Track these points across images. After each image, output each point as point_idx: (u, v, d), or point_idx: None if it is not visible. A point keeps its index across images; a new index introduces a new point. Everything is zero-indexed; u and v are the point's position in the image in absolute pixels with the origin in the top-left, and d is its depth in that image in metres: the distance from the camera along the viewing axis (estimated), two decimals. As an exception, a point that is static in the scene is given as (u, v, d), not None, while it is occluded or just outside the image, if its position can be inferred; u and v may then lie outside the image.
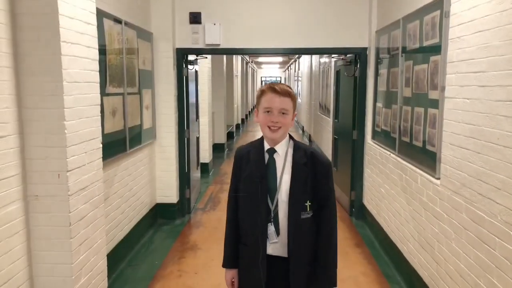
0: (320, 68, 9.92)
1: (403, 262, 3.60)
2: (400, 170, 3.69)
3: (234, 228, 1.90)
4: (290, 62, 22.29)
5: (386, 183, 4.11)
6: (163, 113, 4.97)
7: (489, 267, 2.22)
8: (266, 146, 1.84)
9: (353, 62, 5.19)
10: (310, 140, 12.10)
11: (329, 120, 8.07)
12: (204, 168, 7.59)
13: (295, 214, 1.77)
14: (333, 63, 7.23)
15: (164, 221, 5.10)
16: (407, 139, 3.60)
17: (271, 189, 1.78)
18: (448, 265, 2.71)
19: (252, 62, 22.90)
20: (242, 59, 17.22)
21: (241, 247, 1.89)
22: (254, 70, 27.11)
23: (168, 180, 5.09)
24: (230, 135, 12.67)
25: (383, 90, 4.41)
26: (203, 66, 7.36)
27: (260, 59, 22.51)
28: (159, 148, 5.03)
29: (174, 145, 5.06)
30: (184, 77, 5.18)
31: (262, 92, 1.80)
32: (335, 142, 6.13)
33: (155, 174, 5.04)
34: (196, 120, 6.08)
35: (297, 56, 17.47)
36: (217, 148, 10.23)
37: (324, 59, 8.86)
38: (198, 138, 6.15)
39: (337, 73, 5.97)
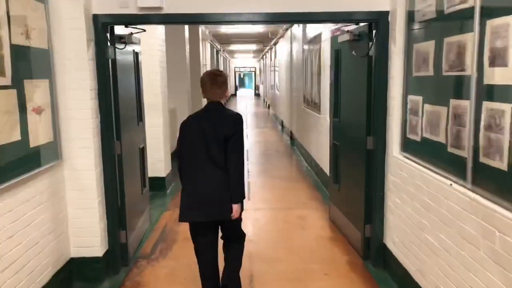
0: (303, 55, 8.22)
1: None
2: (483, 219, 2.03)
3: None
4: (265, 50, 20.53)
5: (443, 231, 2.44)
6: (73, 118, 3.13)
7: None
8: None
9: (364, 35, 3.49)
10: (291, 138, 10.42)
11: (319, 117, 6.38)
12: (158, 184, 5.76)
13: None
14: (327, 42, 5.52)
15: (83, 286, 3.29)
16: (496, 163, 1.94)
17: None
18: None
19: (223, 50, 20.99)
20: (212, 47, 15.31)
21: None
22: (226, 59, 25.19)
23: (88, 222, 3.27)
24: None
25: (425, 75, 2.73)
26: (151, 49, 5.50)
27: (233, 47, 20.63)
28: (71, 174, 3.19)
29: (95, 168, 3.23)
30: (110, 60, 3.35)
31: None
32: (335, 149, 4.44)
33: (65, 214, 3.20)
34: (139, 124, 4.26)
35: (272, 43, 15.73)
36: (180, 153, 8.38)
37: (311, 39, 7.14)
38: (142, 149, 4.33)
39: (337, 54, 4.27)
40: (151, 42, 5.47)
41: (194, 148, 2.59)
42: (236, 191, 2.60)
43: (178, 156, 2.72)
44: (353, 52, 3.64)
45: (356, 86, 3.74)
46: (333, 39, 4.43)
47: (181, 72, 8.35)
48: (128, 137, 3.79)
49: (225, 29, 12.80)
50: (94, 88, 3.22)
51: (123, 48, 3.55)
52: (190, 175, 2.65)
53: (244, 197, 2.67)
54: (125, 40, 3.59)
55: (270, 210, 5.14)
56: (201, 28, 11.27)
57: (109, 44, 3.34)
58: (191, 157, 2.62)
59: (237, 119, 2.61)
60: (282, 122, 13.30)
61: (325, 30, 5.86)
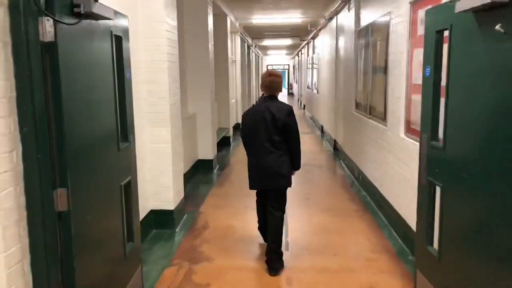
0: (356, 47, 6.49)
1: None
2: None
3: None
4: (302, 46, 18.79)
5: None
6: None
7: None
8: None
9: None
10: (335, 148, 8.70)
11: (384, 129, 4.68)
12: (164, 220, 4.26)
13: None
14: (402, 23, 3.80)
15: None
16: None
17: None
18: None
19: (255, 46, 19.41)
20: (243, 42, 13.75)
21: None
22: (258, 56, 23.60)
23: None
24: (224, 142, 9.32)
25: None
26: (154, 36, 3.98)
27: (266, 42, 19.00)
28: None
29: (4, 245, 1.72)
30: (44, 45, 1.83)
31: None
32: (430, 191, 2.73)
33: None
34: (120, 148, 2.73)
35: (311, 36, 13.97)
36: (202, 168, 6.90)
37: (369, 25, 5.42)
38: (127, 185, 2.81)
39: (439, 37, 2.57)
40: (153, 26, 3.96)
41: (257, 132, 3.39)
42: (297, 164, 3.51)
43: (243, 137, 3.57)
44: (498, 27, 1.92)
45: (493, 88, 2.04)
46: (431, 13, 2.72)
47: (203, 70, 6.85)
48: (92, 175, 2.27)
49: (257, 20, 11.20)
50: (6, 96, 1.71)
51: (75, 24, 2.01)
52: (255, 154, 3.44)
53: (299, 167, 3.55)
54: (80, 9, 2.06)
55: (318, 272, 3.43)
56: (230, 19, 9.74)
57: (42, 14, 1.82)
58: (255, 140, 3.42)
59: (290, 110, 3.40)
60: (322, 127, 11.57)
61: (399, 6, 4.14)
